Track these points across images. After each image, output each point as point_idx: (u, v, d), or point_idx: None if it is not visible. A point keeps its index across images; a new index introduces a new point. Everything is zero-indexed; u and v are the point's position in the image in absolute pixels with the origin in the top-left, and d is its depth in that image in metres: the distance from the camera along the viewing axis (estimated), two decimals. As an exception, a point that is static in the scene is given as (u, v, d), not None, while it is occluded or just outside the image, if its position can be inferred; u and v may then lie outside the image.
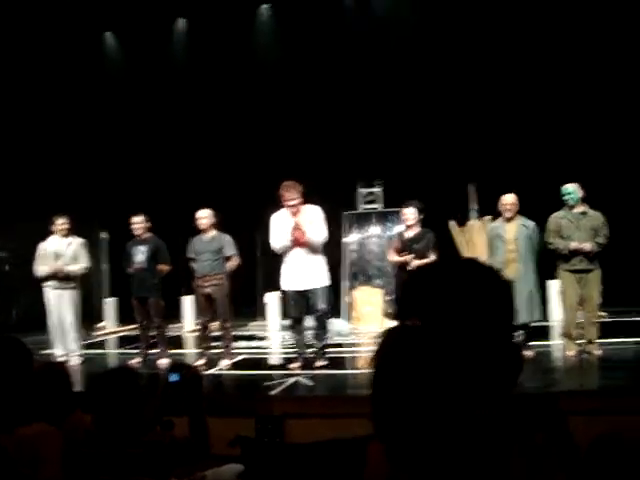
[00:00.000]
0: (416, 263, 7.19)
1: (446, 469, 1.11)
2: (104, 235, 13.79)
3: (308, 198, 7.44)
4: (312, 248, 7.20)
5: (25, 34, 12.48)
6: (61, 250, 8.31)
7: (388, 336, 1.23)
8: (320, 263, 7.31)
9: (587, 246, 7.05)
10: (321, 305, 7.23)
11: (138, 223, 8.34)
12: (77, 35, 13.42)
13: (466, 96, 12.38)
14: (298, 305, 7.31)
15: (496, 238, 7.47)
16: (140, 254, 8.26)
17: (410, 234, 7.67)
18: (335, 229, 11.66)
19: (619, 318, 9.76)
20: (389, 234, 11.38)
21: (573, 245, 7.08)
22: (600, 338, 7.33)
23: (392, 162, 12.57)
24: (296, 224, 7.09)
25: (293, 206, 7.12)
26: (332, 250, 9.06)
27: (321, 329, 7.36)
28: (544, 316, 8.21)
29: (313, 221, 7.20)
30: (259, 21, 14.12)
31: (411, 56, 12.57)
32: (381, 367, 1.21)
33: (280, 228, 7.22)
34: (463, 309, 1.18)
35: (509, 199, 7.48)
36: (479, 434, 1.12)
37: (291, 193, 7.10)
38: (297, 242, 7.15)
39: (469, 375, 1.14)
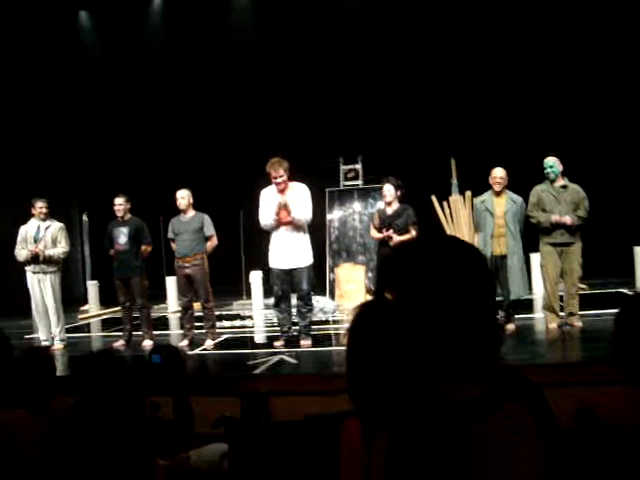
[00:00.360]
0: (397, 239, 7.20)
1: (420, 442, 1.11)
2: (85, 217, 13.67)
3: (295, 175, 7.42)
4: (297, 227, 7.20)
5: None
6: (40, 234, 8.24)
7: (362, 310, 1.24)
8: (305, 242, 7.32)
9: (568, 219, 7.07)
10: (305, 285, 7.25)
11: (120, 204, 8.26)
12: (51, 14, 13.20)
13: (446, 71, 12.36)
14: (283, 283, 7.32)
15: (485, 212, 7.43)
16: (122, 235, 8.21)
17: (389, 211, 7.68)
18: (318, 206, 11.63)
19: (599, 290, 9.86)
20: (371, 210, 11.38)
21: (554, 218, 7.10)
22: (581, 310, 7.39)
23: (373, 138, 12.55)
24: (281, 203, 7.07)
25: (280, 183, 7.11)
26: (316, 228, 9.05)
27: (305, 308, 7.38)
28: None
29: (299, 199, 7.18)
30: (237, -2, 13.96)
31: (392, 32, 12.51)
32: (355, 341, 1.22)
33: (268, 205, 7.20)
34: (438, 284, 1.18)
35: (499, 172, 7.41)
36: (452, 406, 1.12)
37: (277, 170, 7.08)
38: (282, 221, 7.15)
39: (444, 348, 1.14)
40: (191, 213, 7.97)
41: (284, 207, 7.07)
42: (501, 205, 7.38)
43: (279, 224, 7.18)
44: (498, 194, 7.41)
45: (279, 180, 7.10)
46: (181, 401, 3.10)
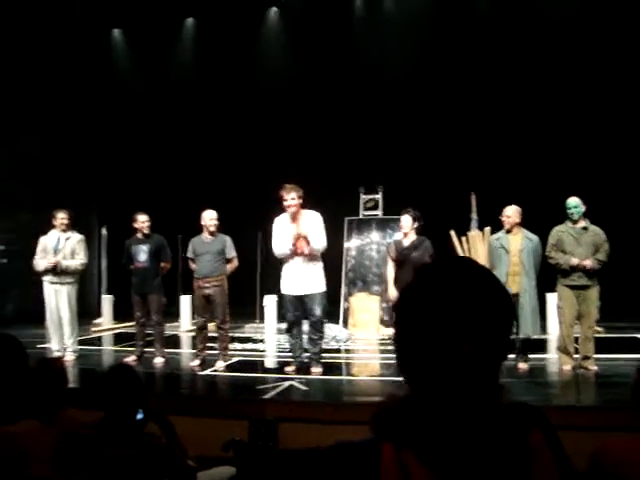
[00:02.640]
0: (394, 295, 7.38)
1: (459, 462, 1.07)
2: (104, 231, 13.78)
3: (310, 203, 7.46)
4: (312, 255, 7.22)
5: (33, 30, 12.49)
6: (60, 245, 8.31)
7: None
8: (318, 269, 7.33)
9: (588, 263, 7.01)
10: (317, 311, 7.23)
11: (145, 221, 8.33)
12: (85, 32, 13.44)
13: (470, 105, 12.41)
14: (296, 310, 7.31)
15: (500, 250, 7.41)
16: (142, 253, 8.26)
17: (406, 242, 7.68)
18: (336, 234, 11.64)
19: (616, 334, 9.76)
20: (388, 241, 11.38)
21: (574, 261, 7.04)
22: (596, 354, 7.31)
23: (395, 169, 12.59)
24: (299, 235, 7.11)
25: (291, 206, 7.15)
26: (332, 256, 9.05)
27: (316, 335, 7.34)
28: (542, 329, 8.21)
29: (313, 229, 7.21)
30: (267, 24, 14.14)
31: (415, 66, 12.58)
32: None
33: (281, 234, 7.23)
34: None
35: (507, 211, 7.47)
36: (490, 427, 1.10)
37: (289, 192, 7.15)
38: (298, 252, 7.17)
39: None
40: (213, 234, 8.01)
41: (303, 239, 7.10)
42: (516, 243, 7.36)
43: (295, 254, 7.20)
44: (512, 232, 7.42)
45: (290, 202, 7.15)
46: (167, 429, 3.17)
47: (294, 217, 7.23)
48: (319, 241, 7.22)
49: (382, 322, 11.18)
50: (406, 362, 1.15)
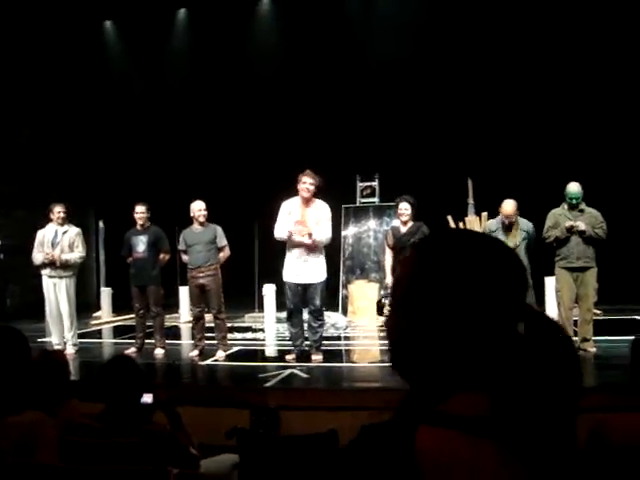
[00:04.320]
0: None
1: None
2: (101, 224, 13.78)
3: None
4: (315, 246, 7.22)
5: (24, 21, 12.44)
6: (57, 238, 8.30)
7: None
8: (321, 259, 7.35)
9: (581, 225, 7.03)
10: (317, 300, 7.26)
11: (142, 212, 8.33)
12: (76, 24, 13.38)
13: (464, 91, 12.39)
14: (295, 297, 7.33)
15: None
16: (141, 243, 8.27)
17: (403, 229, 7.68)
18: (333, 222, 11.65)
19: (614, 316, 9.79)
20: (386, 228, 11.39)
21: (568, 223, 7.06)
22: (595, 336, 7.35)
23: (391, 156, 12.58)
24: (307, 233, 7.10)
25: (308, 190, 7.12)
26: (330, 244, 9.06)
27: (316, 322, 7.37)
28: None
29: (320, 220, 7.22)
30: (260, 13, 14.09)
31: (410, 51, 12.54)
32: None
33: (286, 218, 7.23)
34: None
35: (507, 208, 7.34)
36: None
37: (309, 179, 7.14)
38: (299, 242, 7.15)
39: None
40: (204, 224, 8.04)
41: (307, 235, 7.09)
42: (513, 238, 7.29)
43: (297, 244, 7.19)
44: (509, 230, 7.35)
45: (309, 186, 7.12)
46: (172, 416, 3.21)
47: (307, 202, 7.24)
48: (324, 233, 7.22)
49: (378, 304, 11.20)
50: (429, 354, 1.01)
